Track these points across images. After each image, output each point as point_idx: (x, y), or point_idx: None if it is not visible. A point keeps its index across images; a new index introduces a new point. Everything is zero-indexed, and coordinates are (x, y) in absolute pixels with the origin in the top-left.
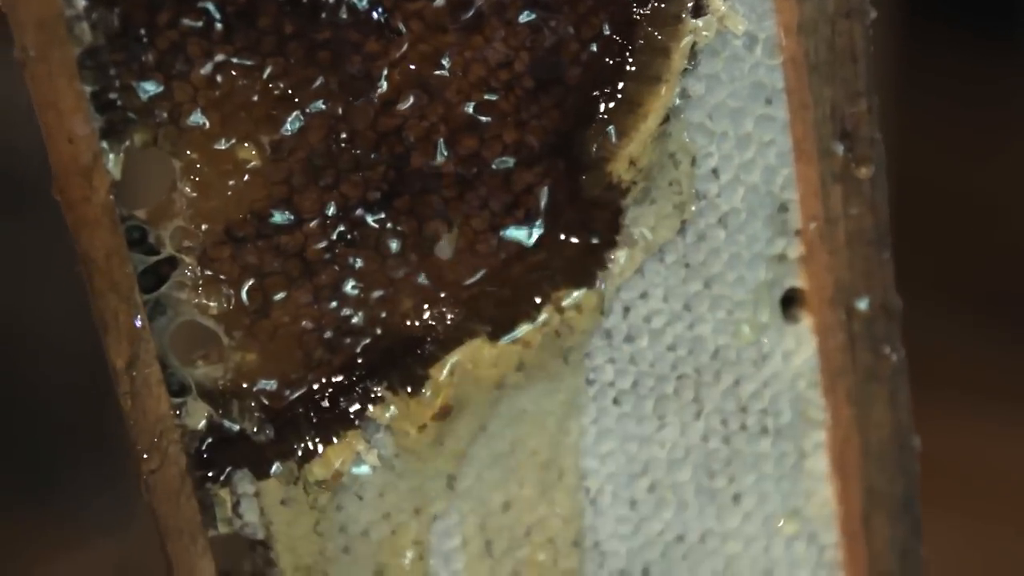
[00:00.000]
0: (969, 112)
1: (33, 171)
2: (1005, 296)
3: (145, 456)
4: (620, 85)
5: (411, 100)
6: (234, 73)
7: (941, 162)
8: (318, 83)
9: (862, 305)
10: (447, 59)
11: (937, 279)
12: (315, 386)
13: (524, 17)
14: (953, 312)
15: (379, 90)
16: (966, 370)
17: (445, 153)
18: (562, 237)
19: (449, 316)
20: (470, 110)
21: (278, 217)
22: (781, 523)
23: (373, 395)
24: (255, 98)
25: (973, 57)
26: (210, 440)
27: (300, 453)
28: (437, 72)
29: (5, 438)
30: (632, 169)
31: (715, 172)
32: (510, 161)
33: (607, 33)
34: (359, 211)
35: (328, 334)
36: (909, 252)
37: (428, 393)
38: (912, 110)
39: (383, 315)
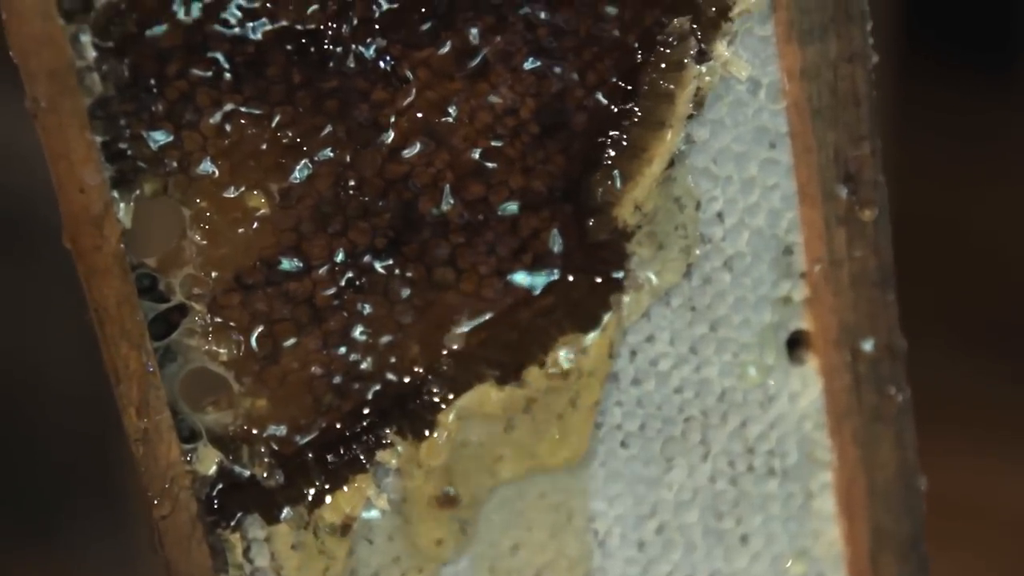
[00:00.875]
0: (968, 147)
1: (38, 217)
2: (1009, 333)
3: (156, 502)
4: (625, 130)
5: (418, 147)
6: (243, 122)
7: (940, 198)
8: (326, 131)
9: (867, 346)
10: (454, 106)
11: (939, 317)
12: (325, 431)
13: (529, 64)
14: (956, 350)
15: (386, 138)
16: (970, 408)
17: (452, 199)
18: (569, 281)
19: (457, 361)
20: (477, 156)
21: (287, 264)
22: (789, 563)
23: (382, 440)
24: (264, 146)
25: (970, 92)
26: (221, 486)
27: (310, 498)
28: (444, 119)
29: (9, 484)
30: (637, 213)
31: (720, 216)
32: (517, 206)
33: (612, 79)
34: (367, 257)
35: (337, 380)
36: (911, 290)
37: (437, 437)
38: (910, 146)
39: (392, 360)
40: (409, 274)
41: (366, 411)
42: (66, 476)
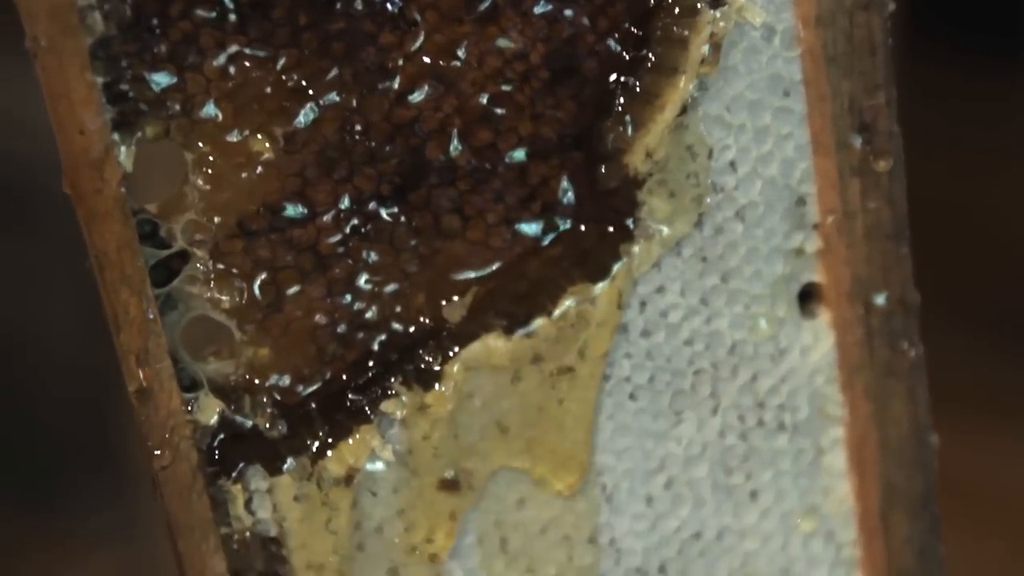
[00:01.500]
0: (974, 131)
1: (39, 186)
2: (1014, 315)
3: (156, 453)
4: (637, 77)
5: (426, 92)
6: (247, 64)
7: (946, 180)
8: (332, 75)
9: (880, 300)
10: (462, 50)
11: (943, 297)
12: (328, 381)
13: (540, 8)
14: (960, 329)
15: (394, 82)
16: (972, 387)
17: (459, 146)
18: (578, 231)
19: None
20: (485, 102)
21: (291, 210)
22: (799, 520)
23: (387, 390)
24: (268, 90)
25: (977, 75)
26: (222, 436)
27: (313, 449)
28: (452, 63)
29: (9, 451)
30: (649, 161)
31: (733, 165)
32: (525, 154)
33: (624, 25)
34: (373, 204)
35: (341, 329)
36: (917, 270)
37: (443, 388)
38: (915, 129)
39: (397, 309)
40: (415, 222)
41: (371, 361)
42: (65, 445)
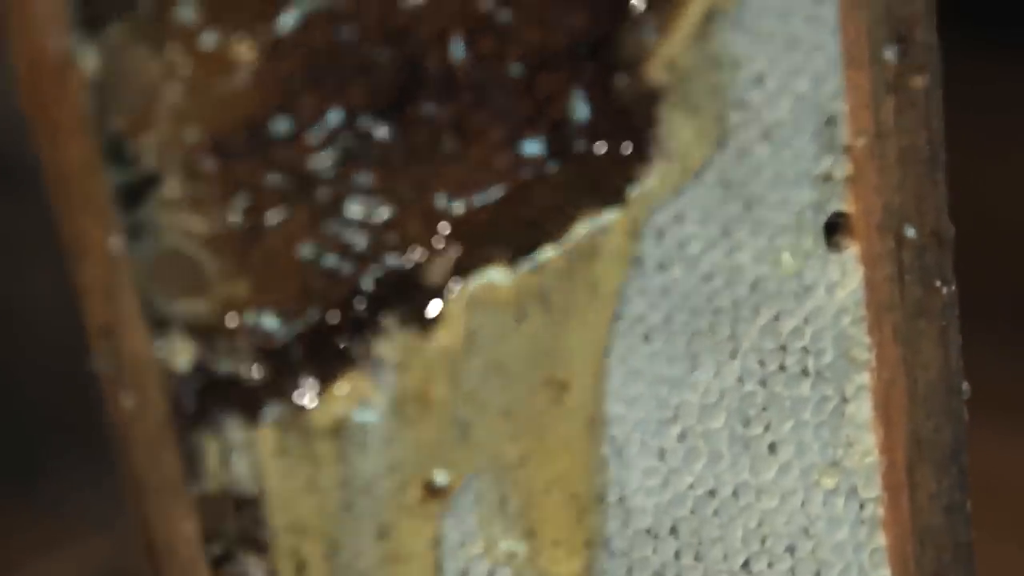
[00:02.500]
0: (979, 117)
1: (23, 153)
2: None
3: (120, 401)
4: None
5: None
6: None
7: (957, 170)
8: None
9: (912, 232)
10: None
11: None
12: (314, 321)
13: None
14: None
15: None
16: (984, 383)
17: (461, 55)
18: (590, 151)
19: (463, 241)
20: (490, 6)
21: (273, 126)
22: (820, 476)
23: (379, 330)
24: None
25: (992, 62)
26: (195, 382)
27: (297, 397)
28: None
29: None
30: (670, 72)
31: (760, 78)
32: (533, 64)
33: None
34: (365, 120)
35: (328, 261)
36: None
37: (441, 327)
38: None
39: (390, 239)
40: (411, 141)
41: (361, 297)
42: (47, 424)
